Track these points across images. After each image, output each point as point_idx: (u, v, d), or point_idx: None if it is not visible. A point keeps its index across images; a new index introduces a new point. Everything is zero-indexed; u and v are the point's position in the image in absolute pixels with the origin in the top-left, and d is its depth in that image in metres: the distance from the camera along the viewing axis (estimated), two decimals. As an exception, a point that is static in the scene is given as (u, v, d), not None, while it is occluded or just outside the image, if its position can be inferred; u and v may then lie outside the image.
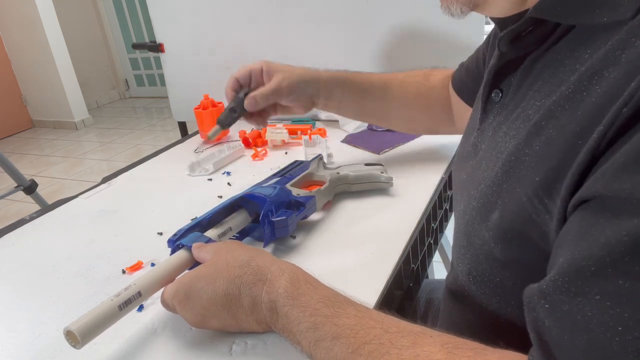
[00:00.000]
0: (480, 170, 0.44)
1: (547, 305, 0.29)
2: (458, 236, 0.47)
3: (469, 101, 0.72)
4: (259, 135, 0.99)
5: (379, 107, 0.78)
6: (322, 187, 0.67)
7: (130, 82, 5.42)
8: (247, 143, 0.98)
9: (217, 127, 0.73)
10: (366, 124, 1.01)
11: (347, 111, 0.79)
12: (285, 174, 0.72)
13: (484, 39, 0.68)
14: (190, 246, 0.51)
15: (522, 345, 0.31)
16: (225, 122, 0.73)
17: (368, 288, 0.51)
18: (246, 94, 0.72)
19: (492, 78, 0.47)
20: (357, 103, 0.77)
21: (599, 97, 0.31)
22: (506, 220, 0.38)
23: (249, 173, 0.85)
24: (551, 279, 0.29)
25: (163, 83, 1.93)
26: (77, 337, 0.40)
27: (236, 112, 0.72)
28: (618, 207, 0.27)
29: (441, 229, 0.78)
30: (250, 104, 0.71)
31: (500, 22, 0.47)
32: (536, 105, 0.38)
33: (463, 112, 0.74)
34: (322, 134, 0.99)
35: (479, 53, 0.69)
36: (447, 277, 0.54)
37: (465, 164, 0.51)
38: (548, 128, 0.35)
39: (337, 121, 1.05)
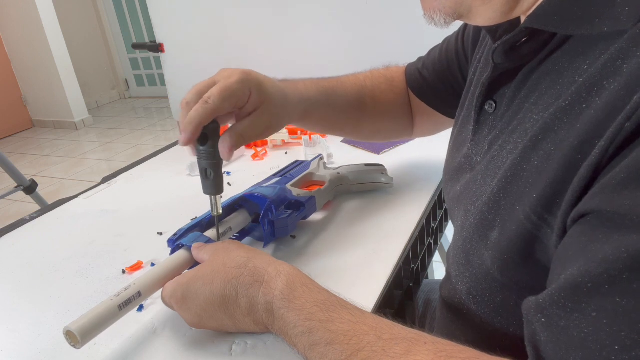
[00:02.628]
0: (477, 185, 0.43)
1: (544, 320, 0.29)
2: (456, 253, 0.45)
3: (434, 105, 0.69)
4: (259, 135, 0.99)
5: (352, 122, 0.70)
6: (323, 188, 0.67)
7: (130, 82, 5.42)
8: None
9: (213, 198, 0.52)
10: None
11: (317, 127, 0.69)
12: (285, 173, 0.72)
13: (454, 37, 0.65)
14: (190, 246, 0.51)
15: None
16: (220, 187, 0.52)
17: (368, 288, 0.51)
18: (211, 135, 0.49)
19: (484, 91, 0.45)
20: (332, 120, 0.68)
21: (598, 109, 0.30)
22: (505, 239, 0.37)
23: (249, 173, 0.85)
24: (549, 293, 0.29)
25: (163, 83, 1.93)
26: (77, 337, 0.40)
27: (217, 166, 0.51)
28: (617, 222, 0.26)
29: (441, 229, 0.78)
30: (232, 153, 0.50)
31: (490, 31, 0.46)
32: (534, 118, 0.37)
33: (423, 115, 0.73)
34: (322, 134, 0.99)
35: (449, 52, 0.65)
36: (442, 288, 0.52)
37: (460, 176, 0.50)
38: (546, 142, 0.34)
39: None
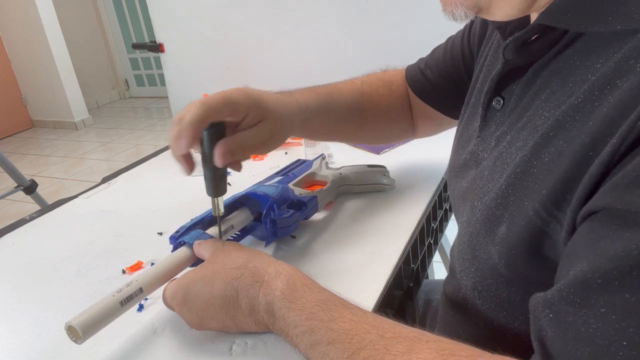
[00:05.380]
0: (484, 181, 0.43)
1: (551, 315, 0.29)
2: (462, 248, 0.46)
3: (437, 106, 0.69)
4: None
5: (351, 130, 0.70)
6: (325, 188, 0.67)
7: (130, 82, 5.42)
8: (247, 143, 0.97)
9: (214, 201, 0.52)
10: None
11: (317, 136, 0.69)
12: (287, 172, 0.72)
13: (459, 36, 0.65)
14: (192, 244, 0.51)
15: (528, 358, 0.31)
16: (222, 190, 0.52)
17: (368, 288, 0.51)
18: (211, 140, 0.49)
19: (493, 87, 0.46)
20: (332, 129, 0.67)
21: (611, 107, 0.30)
22: (513, 234, 0.37)
23: (249, 173, 0.85)
24: (557, 289, 0.29)
25: (163, 83, 1.93)
26: (79, 332, 0.40)
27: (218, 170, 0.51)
28: (628, 220, 0.26)
29: (441, 229, 0.78)
30: (225, 159, 0.49)
31: (500, 27, 0.47)
32: (544, 115, 0.37)
33: (425, 116, 0.72)
34: (324, 141, 0.99)
35: (454, 52, 0.65)
36: (446, 285, 0.53)
37: (466, 172, 0.50)
38: (557, 139, 0.34)
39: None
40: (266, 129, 0.52)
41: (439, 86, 0.68)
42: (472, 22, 0.63)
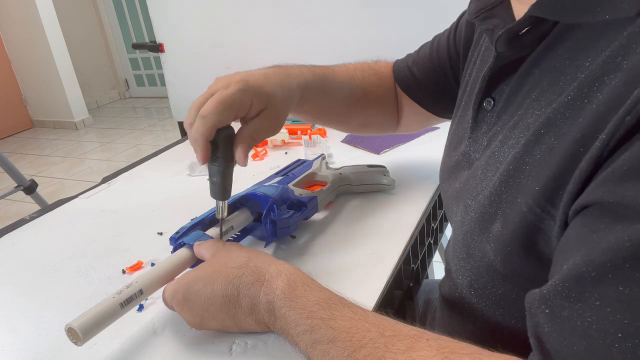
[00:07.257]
0: (477, 181, 0.44)
1: (547, 311, 0.29)
2: (456, 248, 0.46)
3: (423, 103, 0.70)
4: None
5: (343, 111, 0.70)
6: (325, 188, 0.67)
7: (130, 82, 5.42)
8: (247, 143, 0.97)
9: (220, 203, 0.53)
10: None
11: (310, 116, 0.68)
12: (287, 172, 0.72)
13: (445, 35, 0.65)
14: (192, 244, 0.51)
15: (525, 355, 0.31)
16: (229, 193, 0.53)
17: (368, 288, 0.51)
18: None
19: (485, 86, 0.46)
20: (324, 110, 0.68)
21: (600, 104, 0.31)
22: (508, 231, 0.38)
23: (249, 173, 0.85)
24: (552, 284, 0.29)
25: (163, 83, 1.93)
26: (79, 334, 0.40)
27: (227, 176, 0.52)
28: (620, 213, 0.27)
29: (441, 229, 0.78)
30: (247, 157, 0.50)
31: (489, 31, 0.47)
32: (535, 114, 0.38)
33: (409, 112, 0.73)
34: (322, 133, 0.99)
35: (440, 51, 0.65)
36: (442, 285, 0.53)
37: (458, 173, 0.50)
38: (549, 136, 0.35)
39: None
40: (270, 115, 0.53)
41: (425, 83, 0.69)
42: (457, 23, 0.64)
